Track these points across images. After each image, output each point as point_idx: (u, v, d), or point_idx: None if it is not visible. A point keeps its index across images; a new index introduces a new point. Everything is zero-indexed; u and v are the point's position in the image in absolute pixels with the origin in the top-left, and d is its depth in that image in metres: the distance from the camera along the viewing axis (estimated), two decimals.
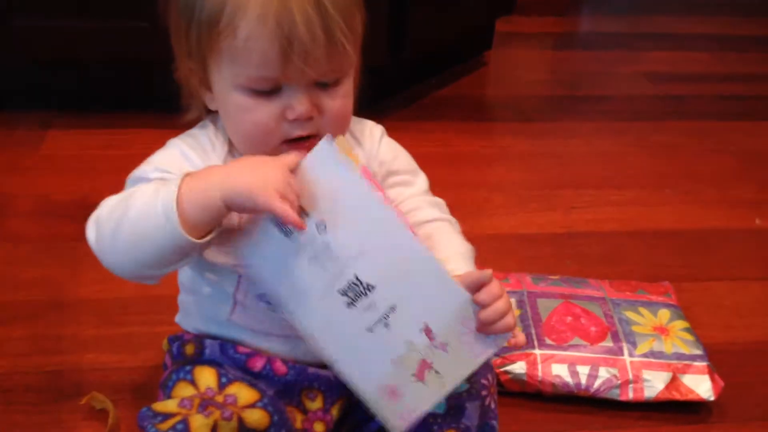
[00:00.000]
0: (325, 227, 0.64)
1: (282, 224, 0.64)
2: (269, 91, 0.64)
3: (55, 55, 1.42)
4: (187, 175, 0.63)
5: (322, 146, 0.63)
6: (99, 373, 0.89)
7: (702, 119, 1.69)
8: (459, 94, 1.73)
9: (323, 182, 0.63)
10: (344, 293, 0.65)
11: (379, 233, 0.64)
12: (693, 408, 0.89)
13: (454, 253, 0.73)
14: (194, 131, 0.72)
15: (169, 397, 0.72)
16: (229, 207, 0.62)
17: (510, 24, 1.98)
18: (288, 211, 0.60)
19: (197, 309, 0.75)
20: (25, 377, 0.88)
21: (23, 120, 1.45)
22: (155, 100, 1.42)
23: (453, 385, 0.66)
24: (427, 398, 0.67)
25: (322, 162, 0.63)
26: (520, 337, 0.69)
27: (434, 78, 1.75)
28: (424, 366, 0.66)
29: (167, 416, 0.68)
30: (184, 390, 0.73)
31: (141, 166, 0.70)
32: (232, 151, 0.70)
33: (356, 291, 0.65)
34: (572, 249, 1.20)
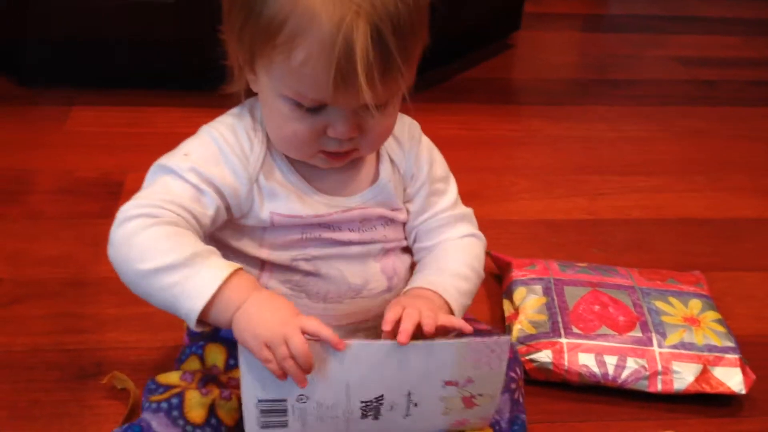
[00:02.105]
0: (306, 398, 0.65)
1: None
2: (314, 108, 0.63)
3: (79, 32, 1.41)
4: (217, 293, 0.60)
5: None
6: (120, 352, 0.89)
7: (733, 105, 1.65)
8: (485, 77, 1.70)
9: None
10: (365, 416, 0.67)
11: (355, 369, 0.65)
12: (723, 401, 0.87)
13: (440, 269, 0.73)
14: (231, 121, 0.70)
15: (179, 369, 0.72)
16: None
17: (538, 5, 1.95)
18: (270, 363, 0.60)
19: None
20: (47, 355, 0.88)
21: (48, 97, 1.45)
22: (179, 78, 1.42)
23: (500, 392, 0.69)
24: (486, 410, 0.70)
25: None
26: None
27: (460, 60, 1.72)
28: (468, 400, 0.69)
29: (168, 388, 0.68)
30: (192, 364, 0.74)
31: (174, 155, 0.68)
32: (271, 149, 0.69)
33: (371, 408, 0.66)
34: (598, 236, 1.17)
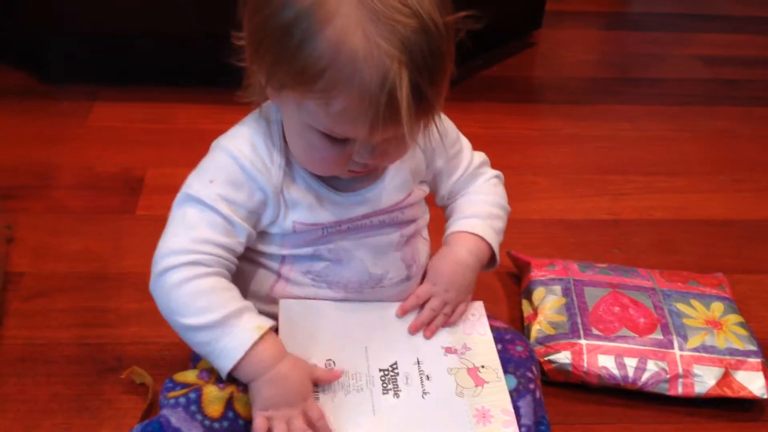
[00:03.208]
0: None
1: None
2: (343, 140, 0.63)
3: (101, 28, 1.42)
4: (257, 344, 0.66)
5: None
6: (140, 347, 0.89)
7: (758, 105, 1.63)
8: (506, 75, 1.69)
9: None
10: (386, 390, 0.72)
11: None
12: (744, 405, 0.86)
13: (475, 211, 0.80)
14: (248, 134, 0.70)
15: (195, 368, 0.73)
16: None
17: (560, 3, 1.93)
18: (257, 427, 0.66)
19: (237, 282, 0.75)
20: (67, 349, 0.89)
21: (70, 92, 1.46)
22: (201, 74, 1.42)
23: (497, 362, 0.76)
24: (500, 394, 0.73)
25: None
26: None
27: (481, 57, 1.71)
28: (474, 373, 0.74)
29: (185, 386, 0.69)
30: (208, 362, 0.74)
31: (199, 181, 0.69)
32: (290, 157, 0.70)
33: (389, 378, 0.72)
34: (620, 237, 1.16)
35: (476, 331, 0.78)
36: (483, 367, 0.75)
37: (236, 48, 0.66)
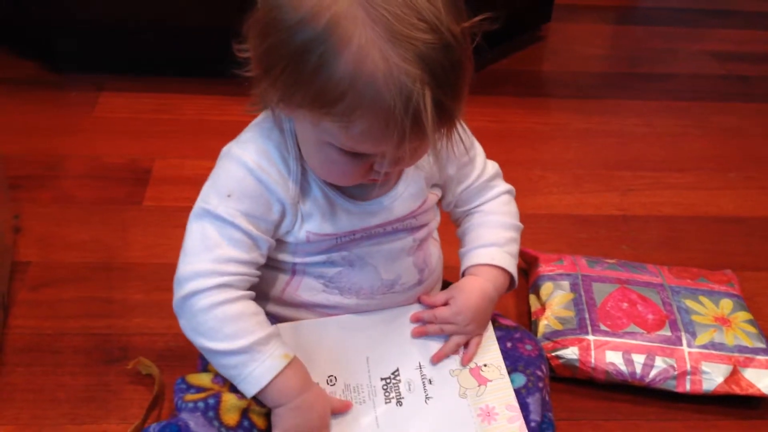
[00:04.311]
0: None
1: None
2: (363, 153, 0.62)
3: (110, 18, 1.42)
4: (269, 385, 0.66)
5: None
6: (146, 338, 0.89)
7: None
8: (515, 69, 1.68)
9: None
10: (388, 399, 0.71)
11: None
12: (753, 403, 0.86)
13: (492, 239, 0.79)
14: (261, 143, 0.68)
15: (206, 369, 0.73)
16: None
17: None
18: None
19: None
20: (74, 339, 0.89)
21: (78, 82, 1.46)
22: (208, 64, 1.42)
23: (500, 358, 0.75)
24: (504, 390, 0.73)
25: None
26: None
27: (490, 51, 1.70)
28: (476, 372, 0.74)
29: (199, 389, 0.69)
30: None
31: (217, 194, 0.67)
32: (305, 167, 0.68)
33: (391, 386, 0.72)
34: (628, 233, 1.16)
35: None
36: (485, 365, 0.74)
37: (241, 60, 0.64)
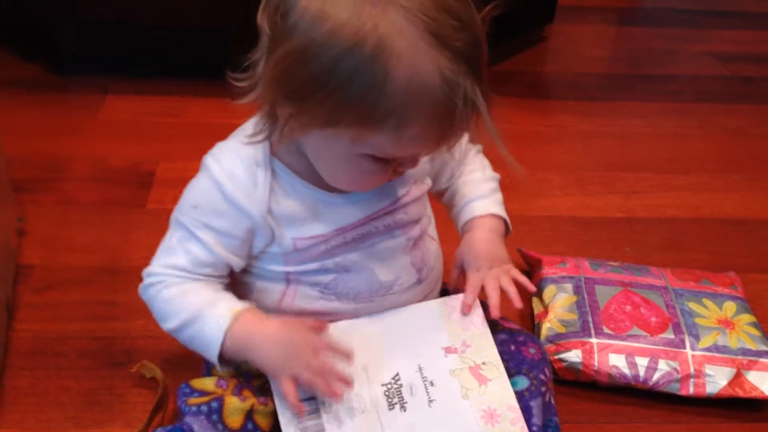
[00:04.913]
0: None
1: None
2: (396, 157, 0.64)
3: (113, 20, 1.42)
4: (233, 325, 0.68)
5: None
6: (150, 341, 0.89)
7: None
8: (517, 70, 1.68)
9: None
10: (391, 405, 0.70)
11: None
12: (756, 406, 0.86)
13: (480, 193, 0.81)
14: (232, 155, 0.68)
15: (209, 373, 0.73)
16: None
17: None
18: (288, 397, 0.66)
19: (243, 295, 0.74)
20: (78, 342, 0.89)
21: (82, 84, 1.46)
22: (211, 67, 1.42)
23: (496, 356, 0.74)
24: (503, 390, 0.72)
25: None
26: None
27: (491, 52, 1.70)
28: (476, 371, 0.73)
29: (203, 393, 0.69)
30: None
31: (186, 209, 0.69)
32: (275, 171, 0.68)
33: (393, 391, 0.71)
34: (632, 235, 1.15)
35: (473, 326, 0.76)
36: (484, 363, 0.73)
37: (237, 89, 0.64)
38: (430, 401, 0.71)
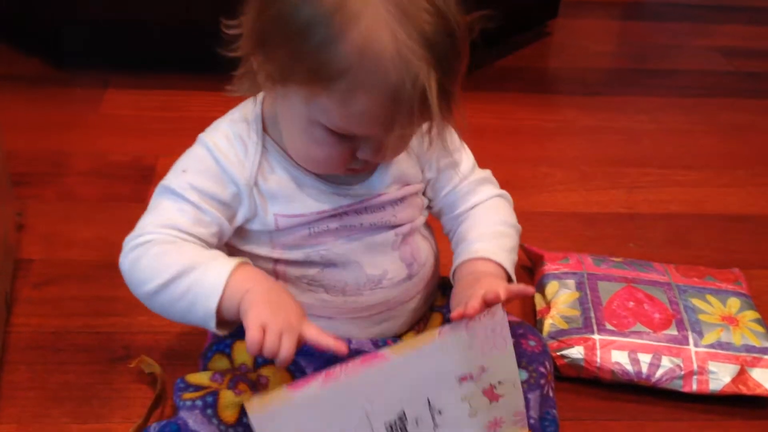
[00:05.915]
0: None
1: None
2: (350, 136, 0.63)
3: (115, 14, 1.42)
4: (227, 285, 0.62)
5: None
6: (149, 336, 0.89)
7: None
8: (521, 65, 1.67)
9: None
10: None
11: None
12: (760, 403, 0.85)
13: (479, 234, 0.75)
14: (225, 128, 0.70)
15: (206, 368, 0.72)
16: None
17: None
18: (251, 341, 0.58)
19: None
20: (77, 337, 0.88)
21: (83, 79, 1.46)
22: (212, 62, 1.42)
23: (517, 375, 0.68)
24: (514, 401, 0.69)
25: None
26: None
27: (496, 47, 1.69)
28: (489, 392, 0.68)
29: (198, 388, 0.69)
30: (220, 362, 0.75)
31: (174, 172, 0.69)
32: (266, 148, 0.69)
33: (398, 428, 0.65)
34: (635, 230, 1.15)
35: (496, 348, 0.67)
36: (500, 383, 0.68)
37: (227, 38, 0.64)
38: (435, 427, 0.66)
